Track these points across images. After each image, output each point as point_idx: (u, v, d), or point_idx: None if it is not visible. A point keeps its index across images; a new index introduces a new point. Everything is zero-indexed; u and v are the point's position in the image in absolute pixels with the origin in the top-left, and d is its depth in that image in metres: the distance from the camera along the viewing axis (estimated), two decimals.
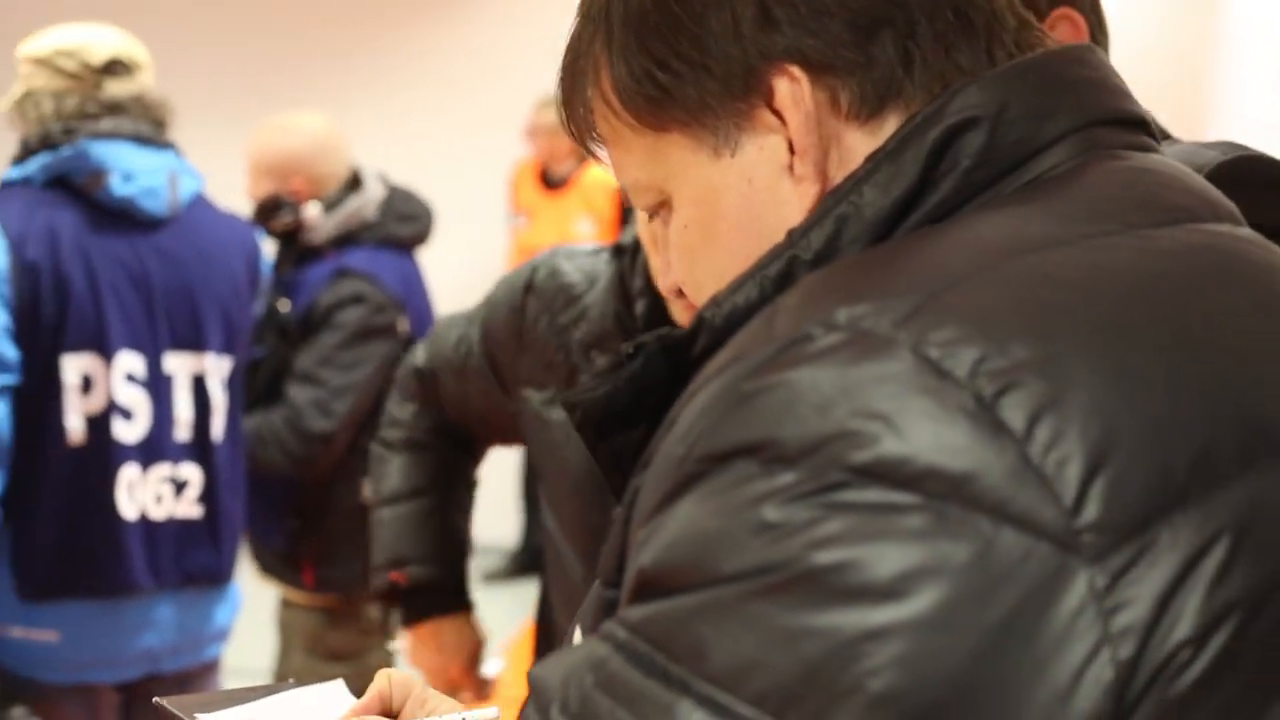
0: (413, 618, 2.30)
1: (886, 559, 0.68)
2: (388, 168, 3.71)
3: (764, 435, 0.72)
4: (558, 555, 2.01)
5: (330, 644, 3.54)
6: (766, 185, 0.90)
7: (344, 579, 3.50)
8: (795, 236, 0.86)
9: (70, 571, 2.65)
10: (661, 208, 0.96)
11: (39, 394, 2.61)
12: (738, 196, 0.91)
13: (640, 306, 1.83)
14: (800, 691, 0.68)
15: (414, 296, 3.61)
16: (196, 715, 1.10)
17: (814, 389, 0.72)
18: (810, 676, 0.68)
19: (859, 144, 0.88)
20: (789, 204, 0.90)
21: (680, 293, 1.00)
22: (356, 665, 3.53)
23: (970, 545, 0.68)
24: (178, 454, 2.78)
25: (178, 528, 2.78)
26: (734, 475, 0.72)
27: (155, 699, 1.14)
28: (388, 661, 3.61)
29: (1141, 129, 0.92)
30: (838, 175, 0.89)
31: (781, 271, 0.85)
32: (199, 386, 2.83)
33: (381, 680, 1.13)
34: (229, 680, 3.11)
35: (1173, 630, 0.69)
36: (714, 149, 0.91)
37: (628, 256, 1.89)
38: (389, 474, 2.30)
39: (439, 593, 2.27)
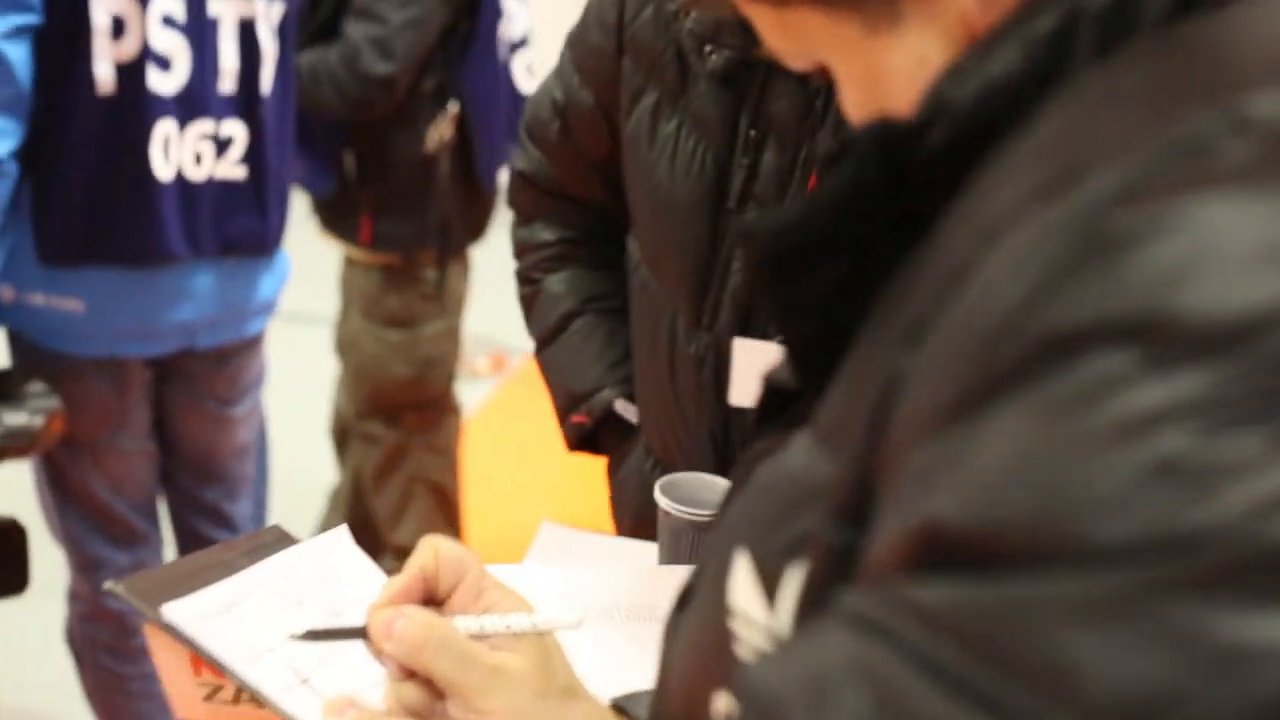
0: (615, 453, 1.92)
1: None
2: None
3: (1149, 308, 0.44)
4: (648, 298, 1.73)
5: (388, 307, 3.37)
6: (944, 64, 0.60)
7: (402, 236, 3.31)
8: None
9: (97, 236, 2.40)
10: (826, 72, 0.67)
11: (65, 37, 2.29)
12: (909, 79, 0.61)
13: None
14: None
15: None
16: (162, 608, 0.84)
17: (1231, 232, 0.44)
18: None
19: None
20: None
21: None
22: (413, 331, 3.36)
23: None
24: (221, 109, 2.49)
25: (218, 190, 2.51)
26: (1097, 372, 0.45)
27: (107, 584, 0.87)
28: (450, 330, 3.41)
29: None
30: None
31: (1058, 29, 0.55)
32: (246, 33, 2.51)
33: (426, 554, 0.84)
34: (278, 336, 2.90)
35: None
36: (865, 24, 0.61)
37: None
38: (537, 309, 1.94)
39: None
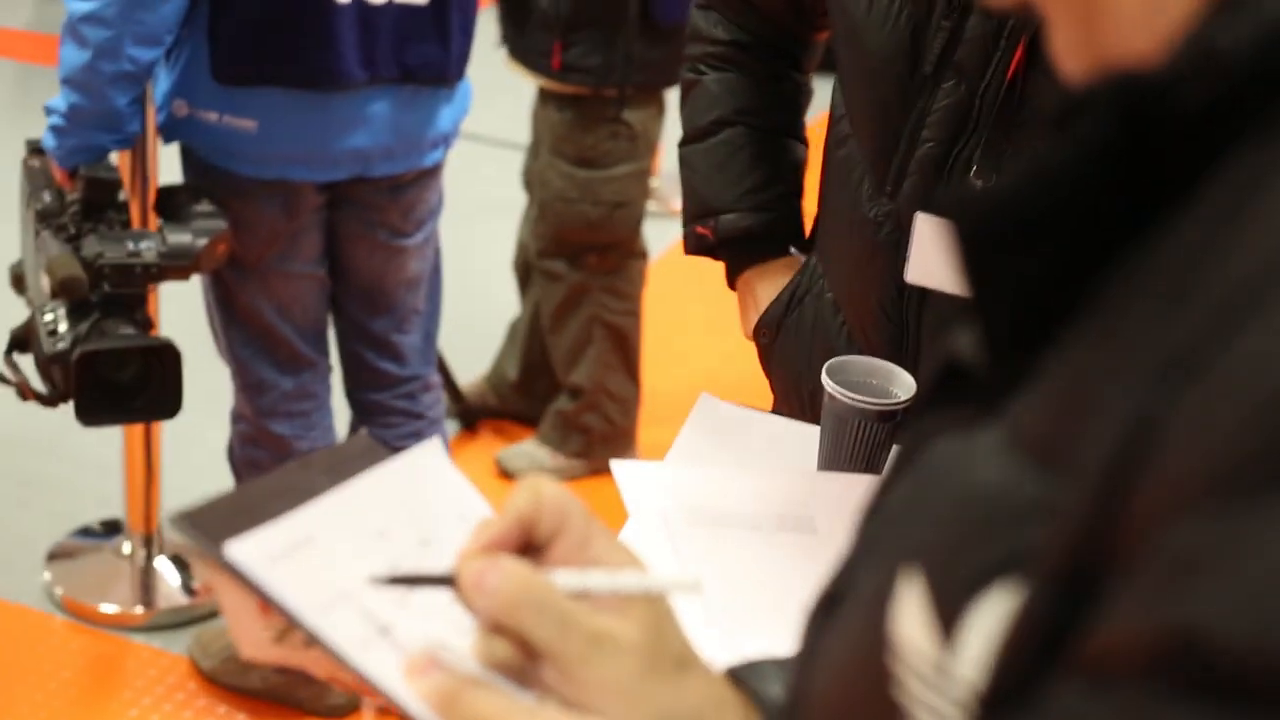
0: (731, 273, 1.86)
1: None
2: None
3: None
4: (844, 152, 1.63)
5: (578, 145, 3.29)
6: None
7: (591, 66, 3.19)
8: None
9: (273, 56, 2.34)
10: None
11: None
12: (1137, 21, 0.49)
13: None
14: None
15: None
16: (225, 547, 0.74)
17: None
18: None
19: None
20: None
21: None
22: (601, 171, 3.27)
23: None
24: None
25: (398, 15, 2.43)
26: None
27: (171, 516, 0.77)
28: (639, 173, 3.31)
29: None
30: None
31: None
32: None
33: (527, 497, 0.74)
34: (465, 159, 2.83)
35: None
36: None
37: None
38: (691, 104, 1.86)
39: (758, 240, 1.82)
